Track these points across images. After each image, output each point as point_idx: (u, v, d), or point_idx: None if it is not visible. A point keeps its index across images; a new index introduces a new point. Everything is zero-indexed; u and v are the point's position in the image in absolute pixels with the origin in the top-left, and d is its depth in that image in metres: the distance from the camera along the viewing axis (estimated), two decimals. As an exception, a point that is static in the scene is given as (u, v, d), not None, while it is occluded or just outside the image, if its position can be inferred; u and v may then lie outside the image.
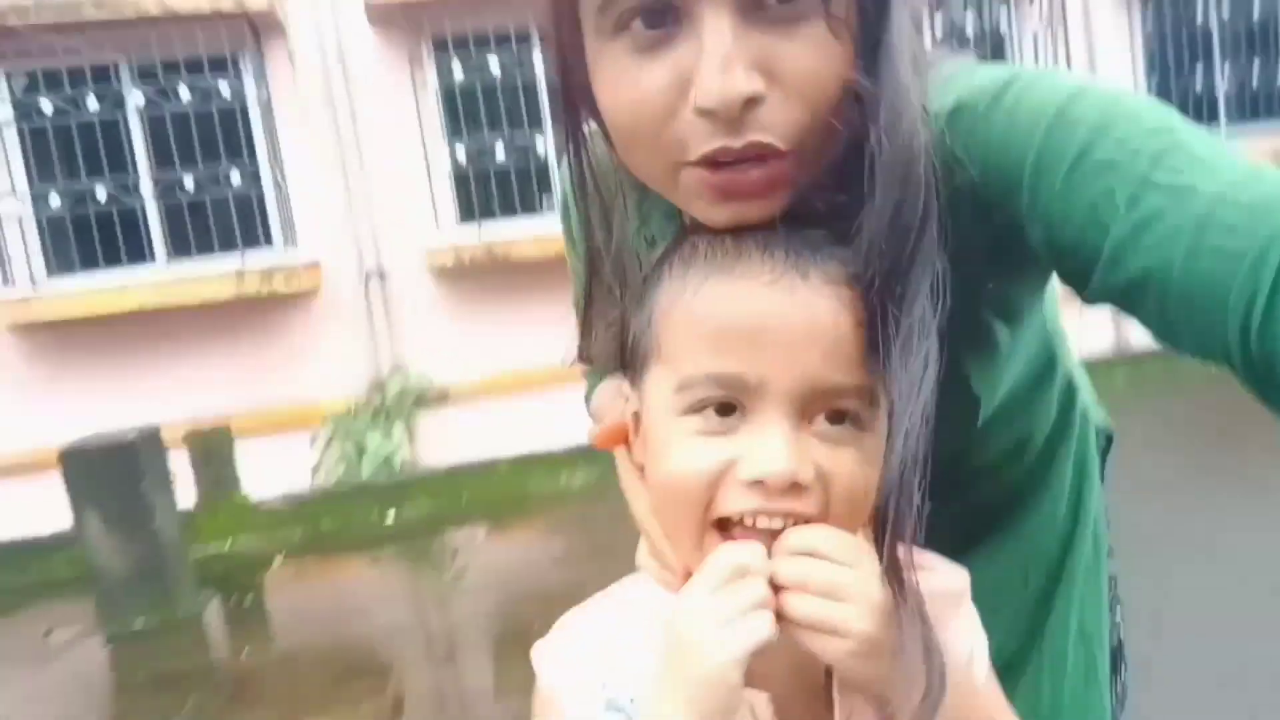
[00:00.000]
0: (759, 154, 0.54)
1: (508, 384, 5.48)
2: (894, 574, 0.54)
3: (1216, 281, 0.47)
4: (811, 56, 0.54)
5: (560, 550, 4.23)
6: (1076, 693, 0.86)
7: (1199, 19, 6.16)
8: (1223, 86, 6.23)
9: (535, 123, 5.52)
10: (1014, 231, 0.57)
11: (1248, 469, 3.91)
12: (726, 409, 0.56)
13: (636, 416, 0.64)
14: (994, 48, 5.92)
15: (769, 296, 0.55)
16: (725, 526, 0.57)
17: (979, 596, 0.64)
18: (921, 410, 0.55)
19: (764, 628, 0.52)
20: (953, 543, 0.64)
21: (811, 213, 0.59)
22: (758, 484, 0.54)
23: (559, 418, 5.35)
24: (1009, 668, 0.85)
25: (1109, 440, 0.97)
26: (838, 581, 0.53)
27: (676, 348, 0.58)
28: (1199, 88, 6.19)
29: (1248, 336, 0.46)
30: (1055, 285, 0.78)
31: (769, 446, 0.54)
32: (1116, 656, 0.93)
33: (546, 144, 5.51)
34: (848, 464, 0.56)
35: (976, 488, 0.83)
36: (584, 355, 0.77)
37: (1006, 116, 0.57)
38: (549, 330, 5.47)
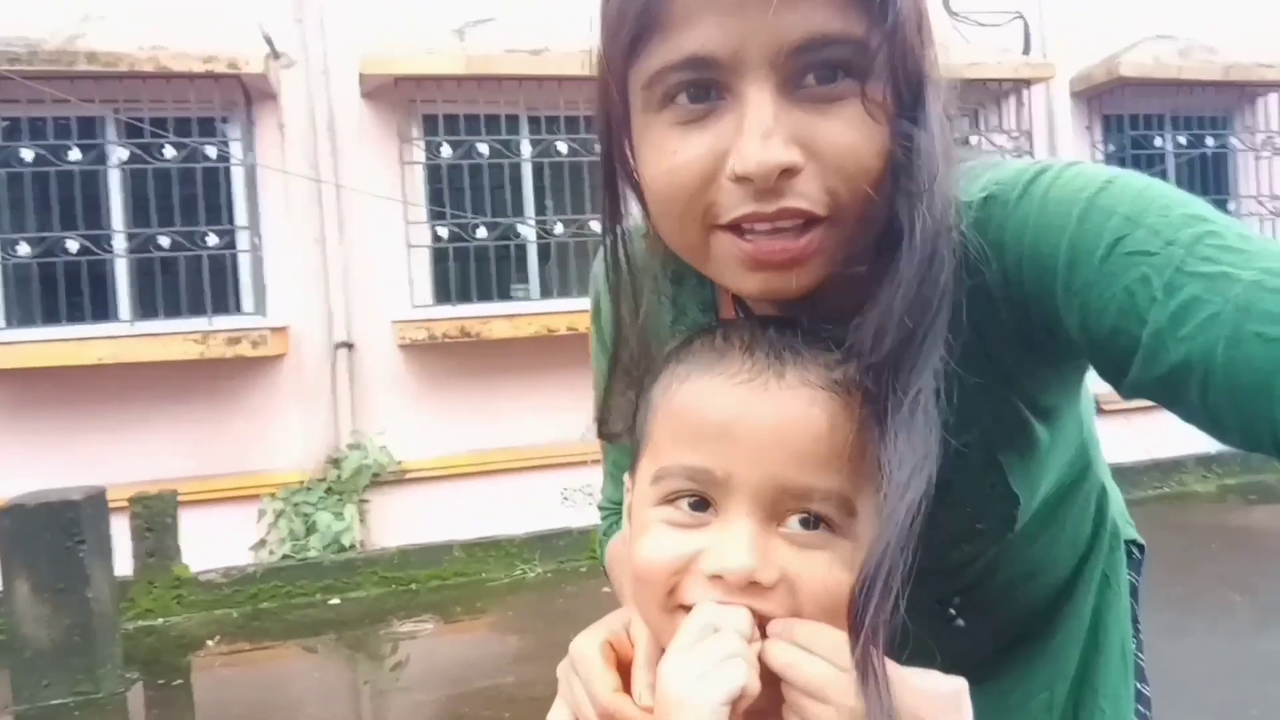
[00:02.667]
0: (793, 220, 0.56)
1: (467, 465, 5.40)
2: (865, 673, 0.53)
3: (1260, 369, 0.47)
4: (848, 134, 0.56)
5: (512, 646, 4.09)
6: None
7: (1156, 147, 6.43)
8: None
9: (518, 207, 5.56)
10: (1050, 320, 0.58)
11: (1205, 595, 3.93)
12: (701, 504, 0.58)
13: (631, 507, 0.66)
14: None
15: (740, 394, 0.57)
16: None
17: (1010, 716, 0.61)
18: (920, 489, 0.54)
19: (738, 675, 0.52)
20: (982, 661, 0.61)
21: (848, 290, 0.59)
22: (717, 578, 0.56)
23: (518, 502, 5.32)
24: None
25: (1142, 551, 0.96)
26: (823, 681, 0.53)
27: (657, 439, 0.61)
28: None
29: None
30: (1089, 391, 0.78)
31: (731, 542, 0.56)
32: None
33: (528, 229, 5.54)
34: (818, 568, 0.56)
35: (1007, 604, 0.82)
36: (603, 432, 0.78)
37: (1038, 206, 0.58)
38: (514, 411, 5.40)
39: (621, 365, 0.74)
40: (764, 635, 0.56)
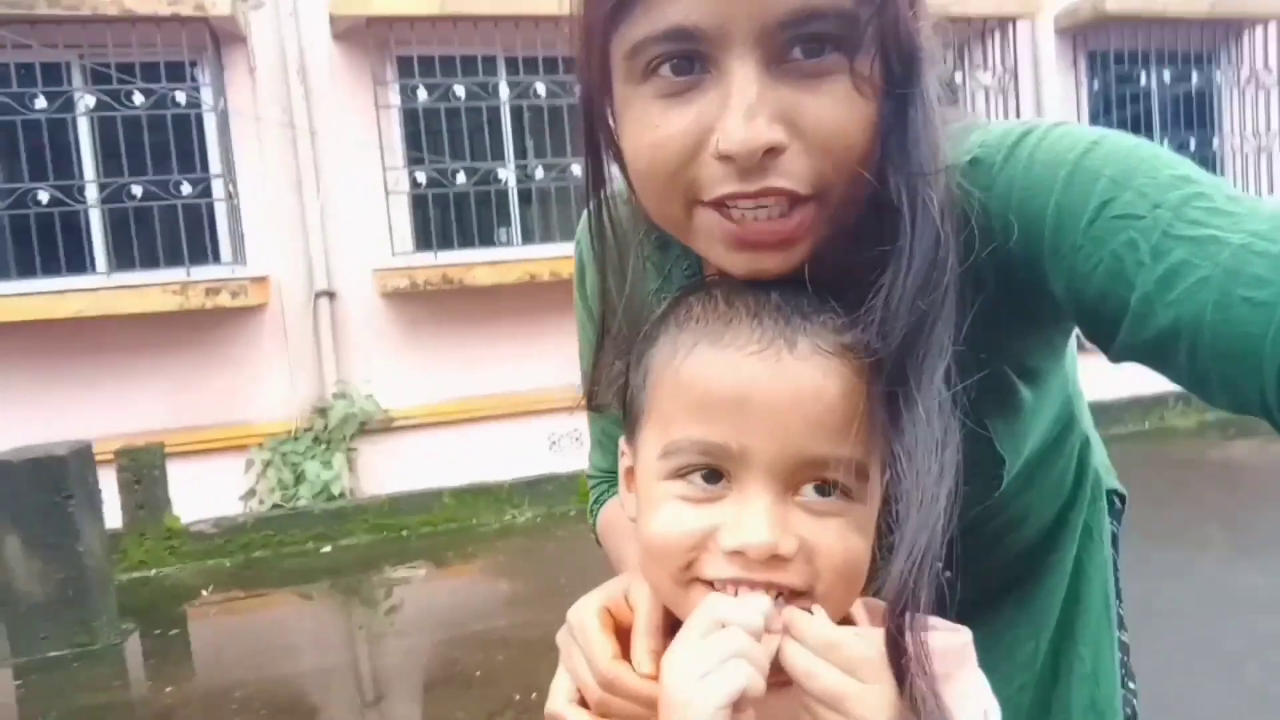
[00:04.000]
0: (776, 199, 0.55)
1: (454, 412, 5.41)
2: (907, 667, 0.53)
3: (1249, 333, 0.47)
4: (835, 111, 0.54)
5: (504, 590, 4.16)
6: None
7: (1140, 84, 6.41)
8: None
9: (497, 150, 5.48)
10: (1036, 284, 0.58)
11: (1183, 529, 4.02)
12: (713, 476, 0.57)
13: (631, 472, 0.65)
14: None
15: (753, 366, 0.56)
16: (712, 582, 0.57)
17: (990, 666, 0.63)
18: (944, 493, 0.54)
19: (739, 677, 0.51)
20: (961, 610, 0.63)
21: (834, 268, 0.59)
22: (737, 553, 0.55)
23: (506, 449, 5.35)
24: None
25: (1123, 501, 0.97)
26: (839, 694, 0.53)
27: (664, 412, 0.59)
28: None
29: None
30: (1074, 344, 0.78)
31: (749, 516, 0.54)
32: None
33: (508, 173, 5.47)
34: (834, 536, 0.56)
35: (991, 553, 0.83)
36: (592, 403, 0.77)
37: (1024, 168, 0.58)
38: (499, 358, 5.38)
39: (609, 335, 0.72)
40: (788, 601, 0.56)
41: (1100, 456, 0.94)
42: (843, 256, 0.59)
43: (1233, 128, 6.69)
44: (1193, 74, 6.50)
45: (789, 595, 0.56)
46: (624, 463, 0.67)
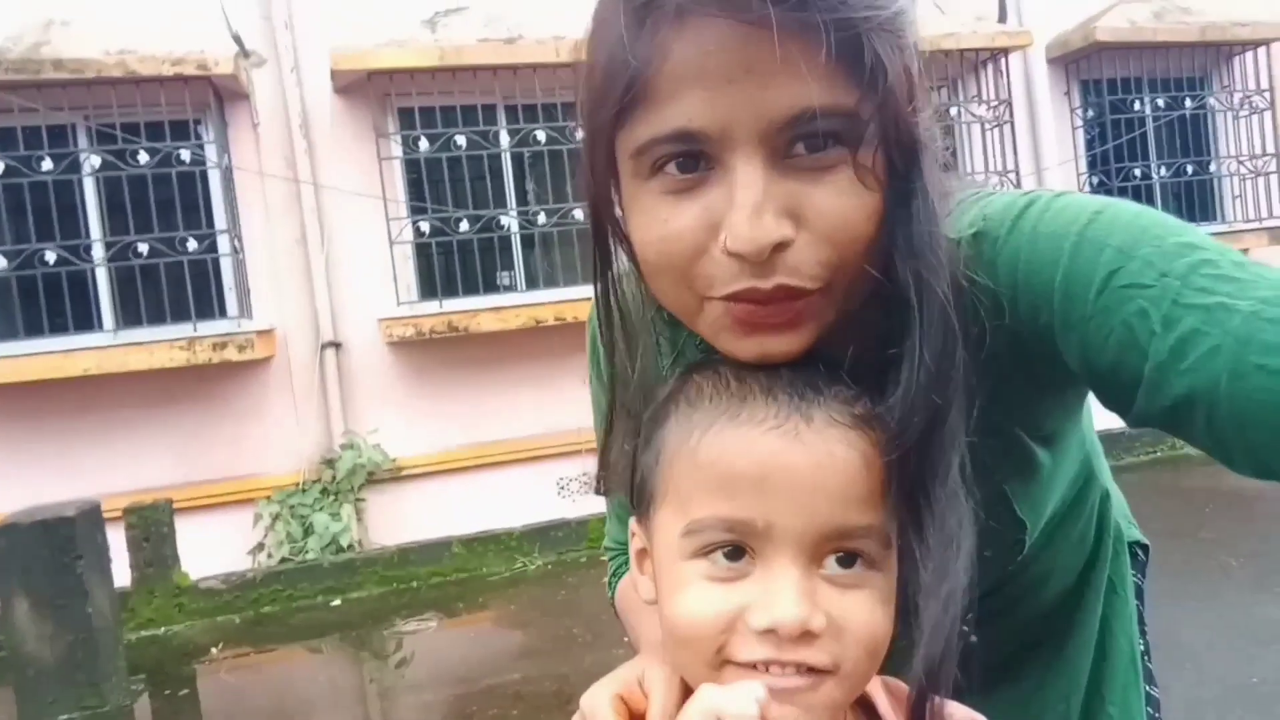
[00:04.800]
0: (786, 294, 0.55)
1: (462, 460, 5.39)
2: None
3: (1265, 401, 0.48)
4: (839, 203, 0.55)
5: (515, 640, 4.11)
6: None
7: (1134, 111, 6.45)
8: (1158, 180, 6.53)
9: (499, 198, 5.52)
10: (1049, 354, 0.58)
11: (1202, 562, 3.97)
12: (736, 553, 0.56)
13: (644, 553, 0.65)
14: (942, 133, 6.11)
15: (773, 441, 0.56)
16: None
17: None
18: (959, 590, 0.55)
19: None
20: (988, 673, 0.62)
21: (841, 351, 0.60)
22: (769, 632, 0.54)
23: (514, 496, 5.32)
24: None
25: (1146, 552, 0.97)
26: None
27: (683, 491, 0.59)
28: (1137, 179, 6.46)
29: None
30: (1091, 399, 0.78)
31: (778, 593, 0.54)
32: None
33: (510, 219, 5.50)
34: (861, 609, 0.56)
35: (1015, 614, 0.83)
36: (600, 488, 0.76)
37: (1028, 240, 0.59)
38: (505, 405, 5.37)
39: (620, 419, 0.73)
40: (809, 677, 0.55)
41: (1120, 508, 0.94)
42: (851, 341, 0.59)
43: (1228, 151, 6.72)
44: (1186, 99, 6.54)
45: (813, 674, 0.55)
46: (635, 544, 0.66)
